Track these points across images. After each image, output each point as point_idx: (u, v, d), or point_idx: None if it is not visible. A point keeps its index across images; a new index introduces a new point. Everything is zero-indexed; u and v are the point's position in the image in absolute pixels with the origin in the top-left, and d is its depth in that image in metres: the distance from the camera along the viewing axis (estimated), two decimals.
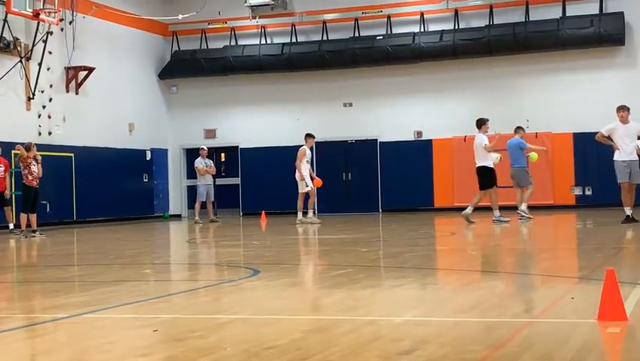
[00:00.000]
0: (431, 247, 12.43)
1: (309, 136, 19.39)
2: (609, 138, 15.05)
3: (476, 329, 4.82)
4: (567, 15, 23.10)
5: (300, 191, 18.90)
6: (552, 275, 7.78)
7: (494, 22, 23.77)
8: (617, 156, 14.89)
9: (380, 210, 24.85)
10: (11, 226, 17.98)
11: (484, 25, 23.85)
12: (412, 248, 11.45)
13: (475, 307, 5.65)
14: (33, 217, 16.78)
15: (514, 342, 4.37)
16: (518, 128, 17.99)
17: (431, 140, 24.66)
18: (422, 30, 24.43)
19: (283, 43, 25.65)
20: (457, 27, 24.12)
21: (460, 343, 4.24)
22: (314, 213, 19.35)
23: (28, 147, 16.60)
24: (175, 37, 26.84)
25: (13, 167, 18.82)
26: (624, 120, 14.85)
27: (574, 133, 22.77)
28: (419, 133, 24.93)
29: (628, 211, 14.77)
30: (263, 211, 22.01)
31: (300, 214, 18.77)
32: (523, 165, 17.57)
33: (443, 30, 24.08)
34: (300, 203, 18.91)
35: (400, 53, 24.23)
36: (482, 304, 5.81)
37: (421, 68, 24.46)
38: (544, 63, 23.44)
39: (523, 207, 17.26)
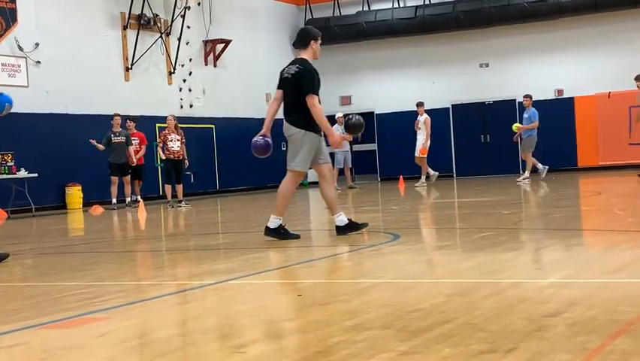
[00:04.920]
0: (576, 207, 12.08)
1: None
2: None
3: (626, 291, 4.67)
4: None
5: None
6: None
7: None
8: None
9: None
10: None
11: None
12: (555, 209, 11.17)
13: (623, 268, 5.47)
14: (179, 188, 17.34)
15: None
16: None
17: (573, 98, 23.93)
18: None
19: (416, 6, 25.37)
20: None
21: (609, 305, 4.11)
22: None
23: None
24: (308, 5, 27.00)
25: (157, 140, 19.48)
26: None
27: None
28: (560, 91, 24.23)
29: None
30: (401, 176, 21.96)
31: None
32: None
33: None
34: None
35: (538, 10, 23.53)
36: (631, 265, 5.61)
37: (560, 24, 23.69)
38: None
39: None
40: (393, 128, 25.95)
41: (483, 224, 9.49)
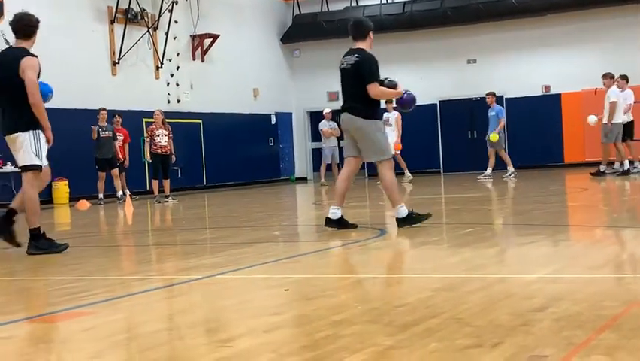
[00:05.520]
0: (562, 203, 12.13)
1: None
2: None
3: (611, 285, 4.70)
4: None
5: None
6: None
7: None
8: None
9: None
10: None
11: None
12: (541, 205, 11.21)
13: (609, 263, 5.50)
14: (166, 183, 17.27)
15: None
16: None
17: (560, 94, 24.00)
18: None
19: (404, 2, 25.38)
20: None
21: (595, 299, 4.14)
22: None
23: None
24: (296, 0, 26.96)
25: (144, 135, 19.39)
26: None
27: None
28: (547, 88, 24.29)
29: None
30: None
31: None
32: None
33: None
34: None
35: (526, 6, 23.57)
36: (616, 260, 5.65)
37: (548, 20, 23.74)
38: None
39: None
40: None
41: (470, 220, 9.52)
